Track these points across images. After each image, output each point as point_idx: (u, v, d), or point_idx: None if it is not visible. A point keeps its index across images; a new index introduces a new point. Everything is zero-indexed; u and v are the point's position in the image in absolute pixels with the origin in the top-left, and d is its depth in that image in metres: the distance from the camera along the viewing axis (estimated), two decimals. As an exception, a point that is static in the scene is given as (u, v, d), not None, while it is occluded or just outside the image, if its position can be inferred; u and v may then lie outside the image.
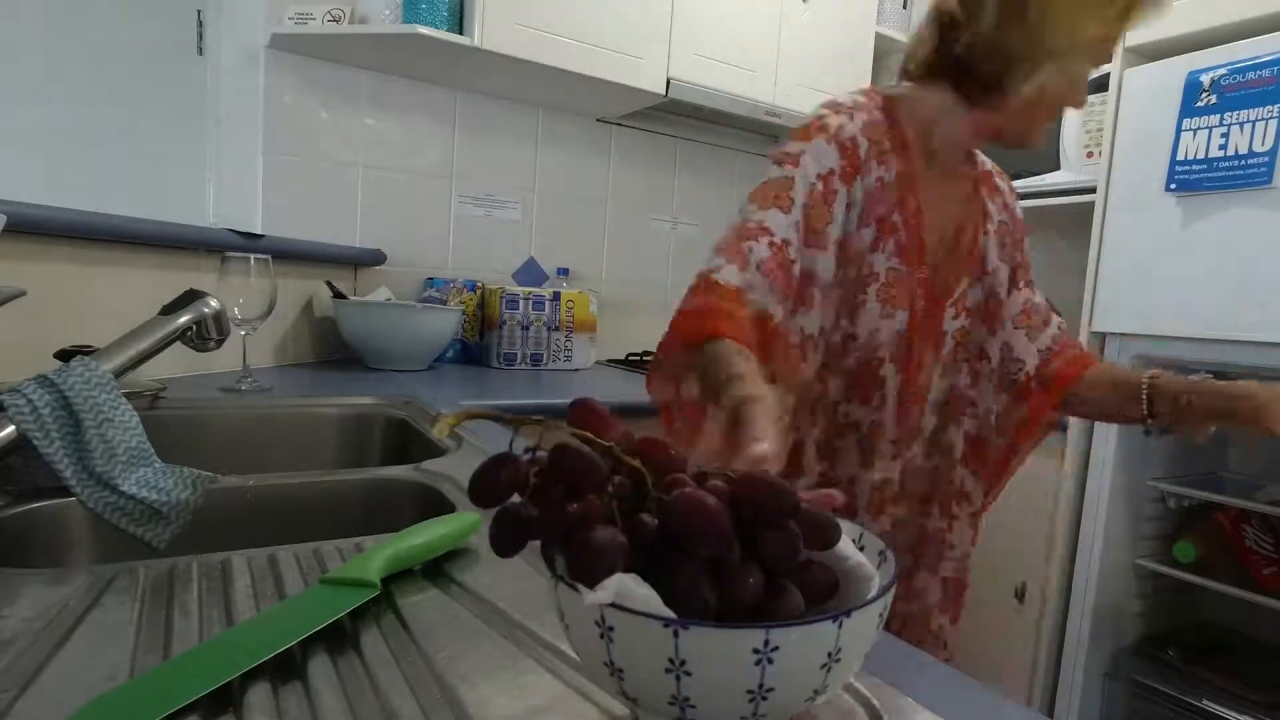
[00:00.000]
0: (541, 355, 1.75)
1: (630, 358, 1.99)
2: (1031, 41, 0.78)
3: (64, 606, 0.39)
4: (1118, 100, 1.58)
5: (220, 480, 0.67)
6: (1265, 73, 1.32)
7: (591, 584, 0.27)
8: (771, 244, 0.74)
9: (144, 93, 1.43)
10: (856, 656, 0.28)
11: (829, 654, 0.27)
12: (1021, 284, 0.98)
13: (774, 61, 1.89)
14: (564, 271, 1.95)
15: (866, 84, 2.07)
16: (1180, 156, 1.43)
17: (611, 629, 0.27)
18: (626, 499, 0.30)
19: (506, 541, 0.30)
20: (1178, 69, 1.45)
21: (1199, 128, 1.41)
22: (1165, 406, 0.82)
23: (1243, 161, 1.34)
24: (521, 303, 1.72)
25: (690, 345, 0.69)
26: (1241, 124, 1.35)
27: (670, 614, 0.26)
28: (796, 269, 0.77)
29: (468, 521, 0.52)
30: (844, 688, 0.36)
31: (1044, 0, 0.76)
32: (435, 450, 0.87)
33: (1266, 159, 1.31)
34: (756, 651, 0.26)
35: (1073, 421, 1.55)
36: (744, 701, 0.27)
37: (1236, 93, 1.36)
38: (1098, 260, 1.60)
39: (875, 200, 0.81)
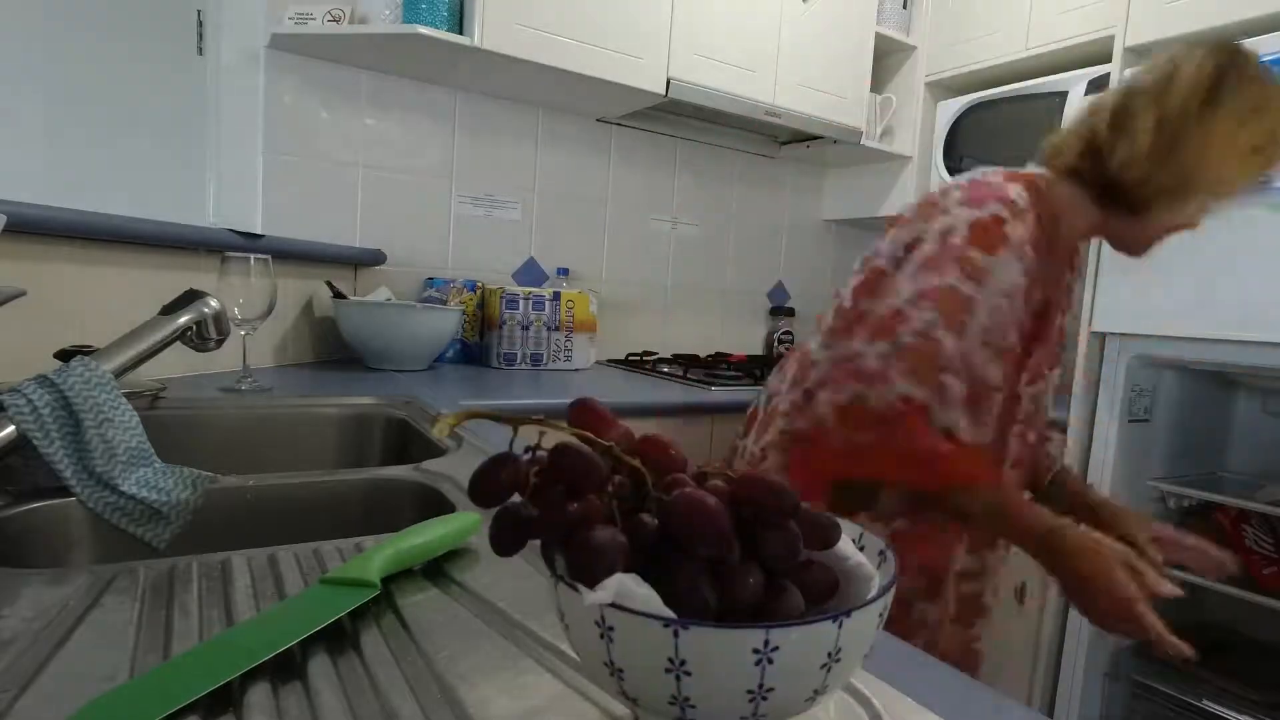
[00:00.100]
0: (541, 355, 1.75)
1: (630, 358, 1.99)
2: (1183, 179, 0.82)
3: (64, 606, 0.39)
4: (1118, 100, 1.58)
5: (220, 480, 0.67)
6: (1265, 73, 1.31)
7: (591, 584, 0.27)
8: (958, 374, 0.75)
9: (144, 93, 1.43)
10: (856, 656, 0.28)
11: (829, 654, 0.27)
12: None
13: (774, 61, 1.89)
14: (564, 271, 1.95)
15: (866, 84, 2.07)
16: (1180, 156, 1.43)
17: (611, 629, 0.27)
18: (626, 499, 0.30)
19: (506, 541, 0.30)
20: (1178, 69, 1.45)
21: (1199, 128, 1.41)
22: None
23: (1243, 161, 1.34)
24: (521, 303, 1.72)
25: (947, 486, 0.75)
26: (1241, 124, 1.34)
27: (670, 614, 0.26)
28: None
29: (468, 521, 0.52)
30: (844, 688, 0.36)
31: (1199, 145, 0.80)
32: (435, 450, 0.87)
33: (1266, 159, 1.31)
34: (756, 651, 0.26)
35: (1072, 422, 1.55)
36: (744, 701, 0.27)
37: (1236, 93, 1.35)
38: (1098, 260, 1.60)
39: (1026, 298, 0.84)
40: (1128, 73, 0.93)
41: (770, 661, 0.26)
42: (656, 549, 0.29)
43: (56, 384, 0.62)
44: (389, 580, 0.45)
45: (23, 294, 0.71)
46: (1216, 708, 1.37)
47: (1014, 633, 1.61)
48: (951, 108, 2.03)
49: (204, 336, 0.83)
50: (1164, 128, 0.81)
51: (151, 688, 0.32)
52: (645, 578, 0.28)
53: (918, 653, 0.42)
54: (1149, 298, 1.50)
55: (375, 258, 1.69)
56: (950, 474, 0.74)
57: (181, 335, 0.80)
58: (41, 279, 0.97)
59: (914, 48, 2.16)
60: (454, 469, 0.74)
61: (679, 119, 2.07)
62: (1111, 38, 1.65)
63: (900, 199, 2.21)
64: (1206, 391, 1.65)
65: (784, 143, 2.29)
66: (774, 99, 1.89)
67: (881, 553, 0.33)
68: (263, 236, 1.30)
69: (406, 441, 1.04)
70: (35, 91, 1.26)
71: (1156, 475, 1.53)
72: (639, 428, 0.33)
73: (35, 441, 0.60)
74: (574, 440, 0.30)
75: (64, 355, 0.86)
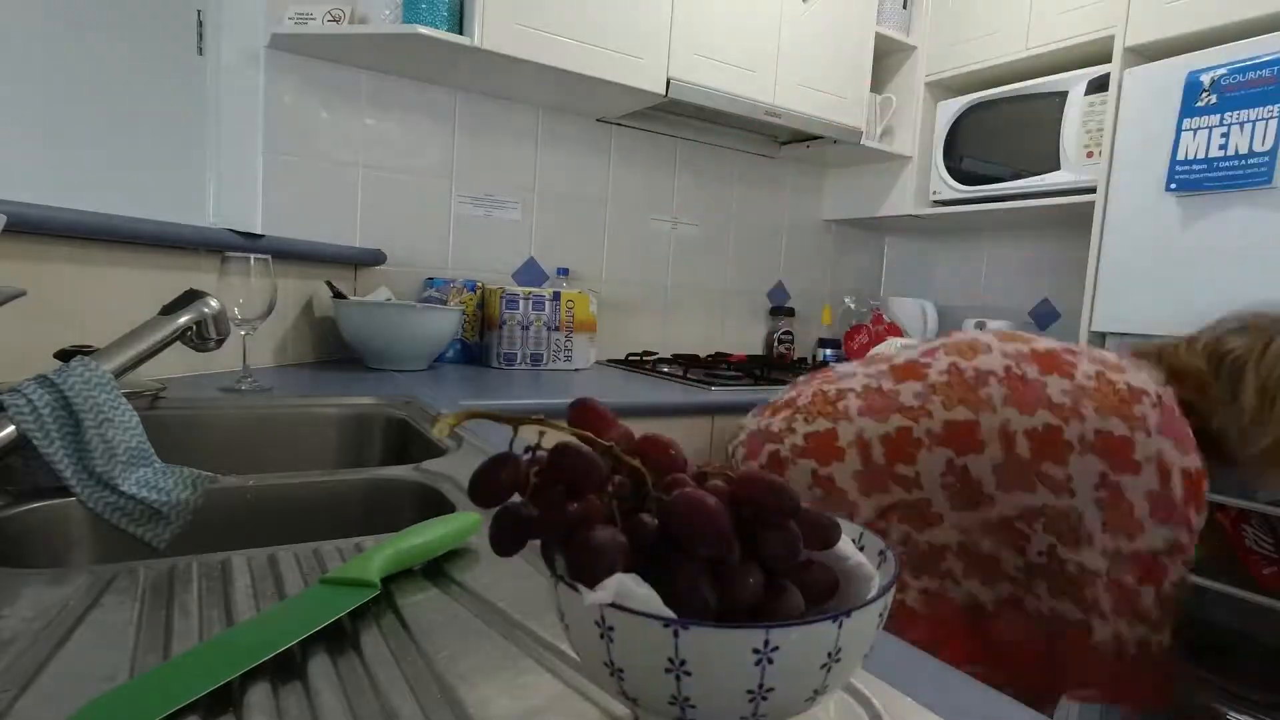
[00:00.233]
0: (541, 355, 1.75)
1: (630, 358, 1.99)
2: (1263, 459, 0.91)
3: (64, 606, 0.39)
4: (1118, 100, 1.58)
5: (220, 480, 0.67)
6: (1265, 73, 1.32)
7: (591, 584, 0.27)
8: None
9: (144, 93, 1.43)
10: (856, 656, 0.28)
11: (829, 654, 0.27)
12: None
13: (774, 61, 1.89)
14: (564, 271, 1.95)
15: (866, 84, 2.07)
16: (1180, 156, 1.44)
17: (611, 629, 0.27)
18: (626, 499, 0.30)
19: (506, 541, 0.30)
20: (1178, 69, 1.46)
21: (1199, 128, 1.41)
22: None
23: (1243, 161, 1.34)
24: (521, 303, 1.72)
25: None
26: (1241, 124, 1.35)
27: (670, 614, 0.26)
28: None
29: (468, 521, 0.52)
30: (844, 688, 0.36)
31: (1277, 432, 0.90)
32: (435, 450, 0.87)
33: (1266, 159, 1.31)
34: (756, 651, 0.26)
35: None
36: (744, 701, 0.27)
37: (1236, 93, 1.36)
38: (1098, 260, 1.60)
39: None
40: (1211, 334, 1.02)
41: (770, 661, 0.26)
42: (656, 549, 0.29)
43: (56, 384, 0.62)
44: (389, 580, 0.45)
45: (23, 294, 0.71)
46: (1216, 708, 1.37)
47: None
48: (951, 108, 2.04)
49: (204, 336, 0.83)
50: (1264, 395, 0.90)
51: (151, 688, 0.32)
52: (645, 578, 0.28)
53: (918, 653, 0.42)
54: (1149, 298, 1.50)
55: (375, 258, 1.70)
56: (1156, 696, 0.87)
57: (181, 335, 0.80)
58: (41, 279, 0.97)
59: (914, 48, 2.16)
60: (454, 469, 0.74)
61: (679, 119, 2.07)
62: (1111, 38, 1.65)
63: (900, 199, 2.21)
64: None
65: (784, 143, 2.29)
66: (774, 99, 1.89)
67: (881, 553, 0.33)
68: (263, 236, 1.30)
69: (406, 441, 1.04)
70: (35, 91, 1.26)
71: (1156, 475, 1.53)
72: (639, 428, 0.33)
73: (35, 441, 0.60)
74: (574, 440, 0.30)
75: (64, 355, 0.86)
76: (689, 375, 1.72)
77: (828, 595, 0.31)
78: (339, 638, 0.38)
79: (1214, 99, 1.39)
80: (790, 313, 2.39)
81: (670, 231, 2.19)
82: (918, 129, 2.16)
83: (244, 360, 1.14)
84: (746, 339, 2.38)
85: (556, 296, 1.75)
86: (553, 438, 0.30)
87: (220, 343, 0.85)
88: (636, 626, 0.26)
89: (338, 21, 1.52)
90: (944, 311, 2.37)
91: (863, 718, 0.34)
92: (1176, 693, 0.91)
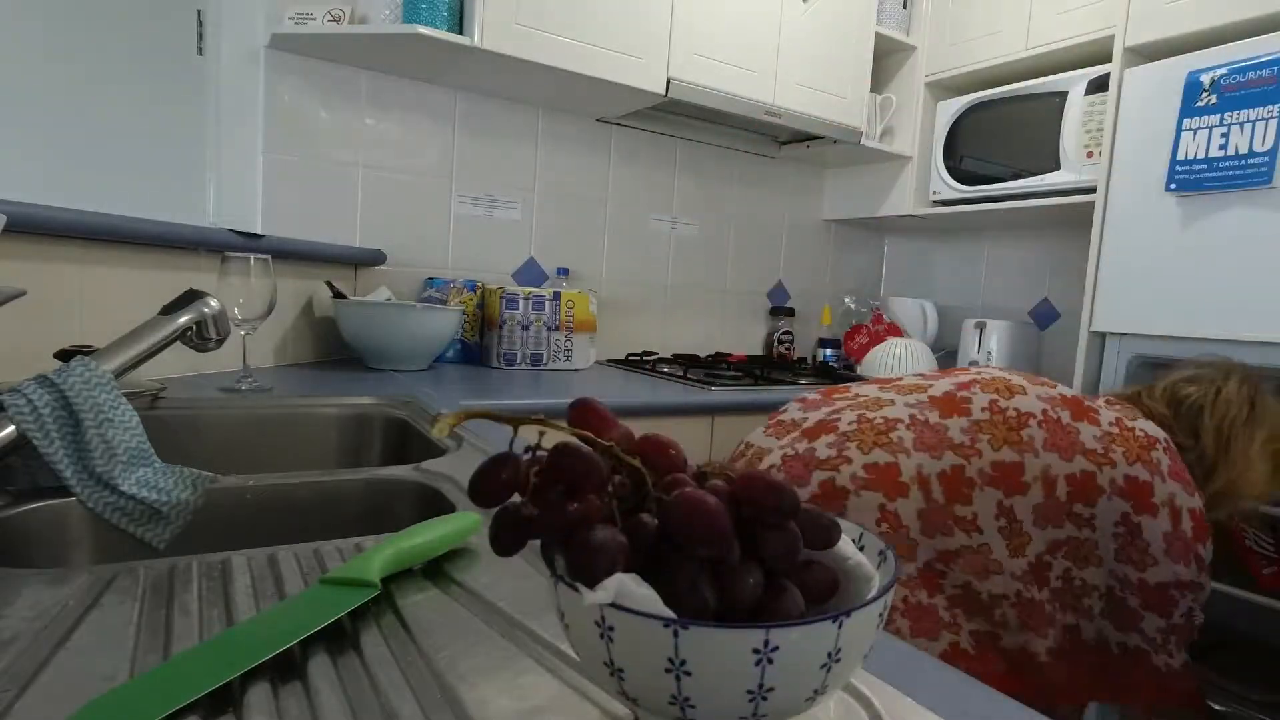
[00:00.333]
0: (541, 355, 1.75)
1: (630, 358, 1.99)
2: (1230, 484, 1.02)
3: (64, 606, 0.39)
4: (1118, 100, 1.58)
5: (220, 480, 0.67)
6: (1265, 73, 1.32)
7: (591, 584, 0.27)
8: None
9: (144, 93, 1.43)
10: (856, 656, 0.28)
11: (829, 654, 0.27)
12: None
13: (774, 61, 1.89)
14: (564, 271, 1.95)
15: (866, 84, 2.07)
16: (1180, 156, 1.44)
17: (611, 629, 0.27)
18: (626, 499, 0.30)
19: (506, 541, 0.30)
20: (1178, 69, 1.46)
21: (1199, 128, 1.41)
22: None
23: (1243, 161, 1.34)
24: (521, 303, 1.72)
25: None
26: (1241, 124, 1.35)
27: (670, 614, 0.27)
28: None
29: (468, 521, 0.52)
30: (844, 688, 0.36)
31: (1241, 454, 1.01)
32: (435, 450, 0.87)
33: (1266, 159, 1.31)
34: (756, 651, 0.26)
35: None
36: (744, 701, 0.27)
37: (1236, 93, 1.36)
38: (1098, 260, 1.60)
39: None
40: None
41: (770, 661, 0.26)
42: (656, 549, 0.29)
43: (56, 384, 0.62)
44: (389, 580, 0.45)
45: (23, 294, 0.71)
46: (1216, 707, 1.37)
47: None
48: (951, 108, 2.04)
49: (204, 336, 0.83)
50: (1220, 436, 1.00)
51: (151, 688, 0.32)
52: (645, 578, 0.28)
53: (918, 653, 0.42)
54: (1149, 298, 1.50)
55: (375, 258, 1.70)
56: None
57: (181, 335, 0.80)
58: (41, 279, 0.97)
59: (914, 48, 2.16)
60: (454, 469, 0.74)
61: (679, 119, 2.07)
62: (1111, 38, 1.65)
63: (900, 199, 2.21)
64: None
65: (784, 143, 2.29)
66: (774, 99, 1.89)
67: (881, 553, 0.33)
68: (263, 236, 1.30)
69: (406, 441, 1.04)
70: (35, 91, 1.26)
71: (1156, 475, 1.53)
72: (639, 428, 0.33)
73: (35, 441, 0.60)
74: (574, 440, 0.30)
75: (64, 355, 0.86)
76: (689, 375, 1.72)
77: (828, 595, 0.31)
78: (339, 638, 0.38)
79: (1214, 99, 1.39)
80: (790, 313, 2.39)
81: (670, 231, 2.19)
82: (918, 129, 2.16)
83: (244, 360, 1.14)
84: (746, 339, 2.38)
85: (556, 296, 1.75)
86: (553, 438, 0.30)
87: (220, 343, 0.85)
88: (636, 626, 0.26)
89: (338, 21, 1.52)
90: (944, 311, 2.37)
91: (863, 718, 0.34)
92: (1205, 705, 0.97)
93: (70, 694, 0.32)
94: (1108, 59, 1.65)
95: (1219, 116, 1.38)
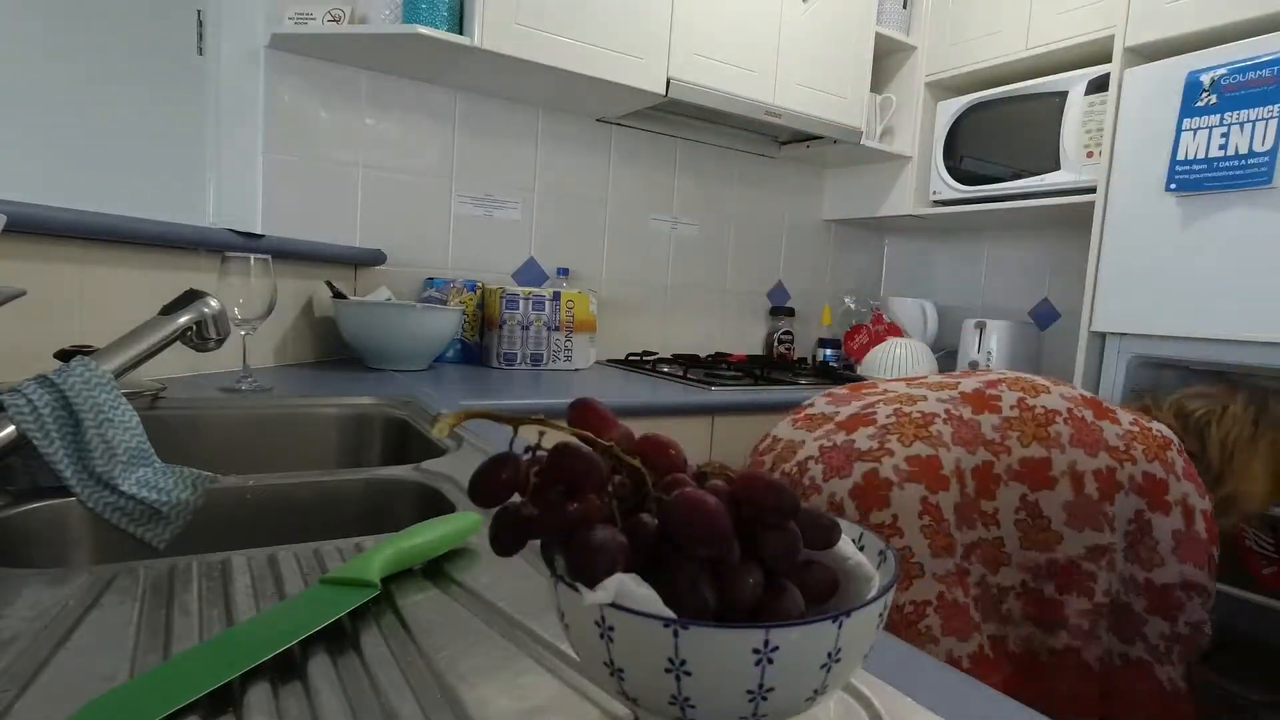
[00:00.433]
0: (541, 355, 1.75)
1: (630, 358, 1.99)
2: (1223, 505, 1.06)
3: (64, 606, 0.39)
4: (1118, 100, 1.58)
5: (220, 480, 0.67)
6: (1265, 73, 1.32)
7: (591, 584, 0.27)
8: None
9: (144, 93, 1.43)
10: (856, 656, 0.28)
11: (829, 654, 0.27)
12: None
13: (774, 61, 1.89)
14: (564, 271, 1.95)
15: (866, 84, 2.07)
16: (1180, 156, 1.44)
17: (611, 629, 0.27)
18: (626, 499, 0.30)
19: (506, 541, 0.30)
20: (1178, 69, 1.46)
21: (1199, 128, 1.41)
22: None
23: (1243, 161, 1.34)
24: (521, 303, 1.72)
25: None
26: (1241, 124, 1.35)
27: (670, 614, 0.26)
28: None
29: (468, 521, 0.52)
30: (844, 688, 0.36)
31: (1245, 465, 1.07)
32: (435, 450, 0.87)
33: (1266, 159, 1.31)
34: (756, 651, 0.26)
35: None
36: (744, 701, 0.27)
37: (1236, 93, 1.36)
38: (1098, 260, 1.60)
39: None
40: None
41: (770, 661, 0.26)
42: (656, 549, 0.29)
43: (56, 384, 0.62)
44: (389, 580, 0.45)
45: (23, 294, 0.71)
46: (1216, 708, 1.36)
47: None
48: (951, 108, 2.04)
49: (204, 336, 0.83)
50: (1224, 450, 1.04)
51: (151, 688, 0.32)
52: (645, 578, 0.28)
53: (918, 653, 0.42)
54: (1149, 298, 1.50)
55: (375, 258, 1.70)
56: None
57: (181, 335, 0.80)
58: (41, 279, 0.97)
59: (914, 48, 2.16)
60: (454, 469, 0.74)
61: (679, 119, 2.07)
62: (1111, 38, 1.65)
63: (900, 199, 2.21)
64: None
65: (784, 143, 2.29)
66: (774, 99, 1.89)
67: (881, 553, 0.33)
68: (263, 236, 1.30)
69: (406, 441, 1.04)
70: (35, 91, 1.26)
71: (1156, 475, 1.53)
72: (639, 428, 0.33)
73: (35, 441, 0.60)
74: (574, 440, 0.30)
75: (64, 355, 0.86)
76: (689, 375, 1.72)
77: (828, 595, 0.31)
78: (339, 638, 0.38)
79: (1214, 99, 1.39)
80: (790, 313, 2.39)
81: (670, 231, 2.19)
82: (918, 129, 2.16)
83: (244, 360, 1.14)
84: (746, 339, 2.38)
85: (556, 296, 1.75)
86: (553, 438, 0.30)
87: (220, 343, 0.85)
88: (636, 626, 0.26)
89: (338, 21, 1.52)
90: (944, 311, 2.37)
91: (863, 718, 0.34)
92: None
93: (70, 694, 0.32)
94: (1108, 59, 1.65)
95: (1219, 116, 1.38)
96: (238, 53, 1.54)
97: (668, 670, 0.26)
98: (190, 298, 0.83)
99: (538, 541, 0.31)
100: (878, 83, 2.22)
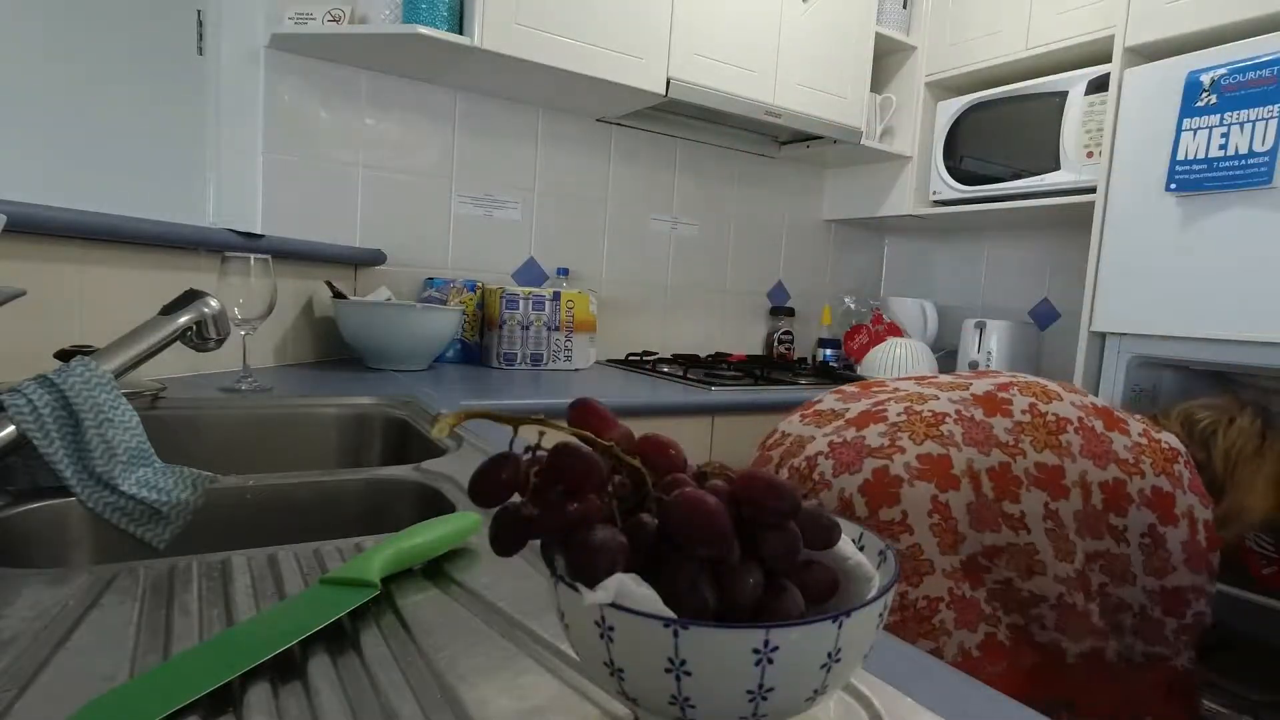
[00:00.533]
0: (541, 355, 1.75)
1: (630, 358, 1.99)
2: (1235, 506, 1.07)
3: (64, 606, 0.39)
4: (1118, 100, 1.58)
5: (220, 480, 0.67)
6: (1265, 73, 1.32)
7: (591, 584, 0.27)
8: None
9: (144, 93, 1.43)
10: (856, 656, 0.28)
11: (829, 654, 0.27)
12: None
13: (774, 61, 1.89)
14: (564, 271, 1.95)
15: (866, 84, 2.07)
16: (1180, 156, 1.44)
17: (611, 629, 0.27)
18: (626, 499, 0.30)
19: (506, 541, 0.30)
20: (1178, 69, 1.46)
21: (1199, 128, 1.41)
22: None
23: (1243, 161, 1.34)
24: (521, 303, 1.72)
25: None
26: (1241, 124, 1.35)
27: (670, 614, 0.26)
28: None
29: (468, 521, 0.52)
30: (844, 688, 0.36)
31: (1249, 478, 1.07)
32: (435, 450, 0.87)
33: (1266, 159, 1.31)
34: (756, 651, 0.26)
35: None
36: (744, 701, 0.27)
37: (1236, 93, 1.36)
38: (1098, 260, 1.60)
39: None
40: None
41: (770, 661, 0.26)
42: (656, 549, 0.29)
43: (56, 384, 0.62)
44: (389, 580, 0.45)
45: (23, 294, 0.71)
46: (1216, 708, 1.36)
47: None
48: (951, 108, 2.04)
49: (204, 336, 0.83)
50: (1228, 460, 1.05)
51: (151, 688, 0.32)
52: (645, 578, 0.28)
53: (918, 653, 0.42)
54: (1149, 298, 1.50)
55: (375, 258, 1.70)
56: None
57: (181, 335, 0.80)
58: (41, 279, 0.97)
59: (914, 48, 2.16)
60: (454, 469, 0.74)
61: (679, 119, 2.07)
62: (1111, 38, 1.65)
63: (900, 199, 2.21)
64: (1206, 391, 1.65)
65: (784, 143, 2.29)
66: (774, 99, 1.89)
67: (881, 553, 0.33)
68: (263, 236, 1.30)
69: (406, 441, 1.04)
70: (35, 91, 1.26)
71: (1156, 475, 1.53)
72: (639, 428, 0.33)
73: (35, 441, 0.60)
74: (574, 440, 0.30)
75: (64, 355, 0.86)
76: (689, 375, 1.72)
77: (828, 595, 0.31)
78: (339, 638, 0.38)
79: (1214, 99, 1.39)
80: (790, 313, 2.39)
81: (670, 231, 2.19)
82: (918, 129, 2.16)
83: (244, 360, 1.14)
84: (746, 339, 2.38)
85: (556, 296, 1.75)
86: (553, 438, 0.30)
87: (220, 343, 0.85)
88: (636, 626, 0.26)
89: (338, 21, 1.52)
90: (944, 311, 2.37)
91: (863, 718, 0.34)
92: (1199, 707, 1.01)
93: (70, 694, 0.32)
94: (1108, 59, 1.65)
95: (1219, 116, 1.38)
96: (238, 53, 1.54)
97: (668, 670, 0.26)
98: (190, 298, 0.83)
99: (538, 541, 0.31)
100: (878, 83, 2.22)
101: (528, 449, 0.31)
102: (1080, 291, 1.69)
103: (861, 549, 0.34)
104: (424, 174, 1.79)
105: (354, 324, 1.49)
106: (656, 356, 2.02)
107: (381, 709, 0.32)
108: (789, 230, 2.43)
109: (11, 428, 0.59)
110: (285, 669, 0.35)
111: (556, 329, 1.76)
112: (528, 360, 1.74)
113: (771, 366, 2.03)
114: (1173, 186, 1.44)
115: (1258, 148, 1.32)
